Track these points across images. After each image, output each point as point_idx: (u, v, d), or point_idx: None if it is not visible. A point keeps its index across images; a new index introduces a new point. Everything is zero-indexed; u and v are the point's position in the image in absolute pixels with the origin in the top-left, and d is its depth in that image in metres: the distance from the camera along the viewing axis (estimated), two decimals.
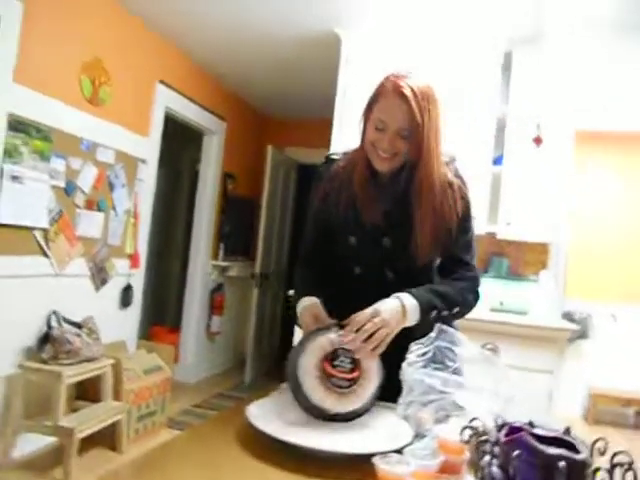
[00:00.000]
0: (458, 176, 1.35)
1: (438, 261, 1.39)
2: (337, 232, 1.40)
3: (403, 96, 1.22)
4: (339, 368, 1.10)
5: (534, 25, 3.01)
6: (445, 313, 1.25)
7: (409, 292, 1.22)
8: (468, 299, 1.35)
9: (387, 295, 1.23)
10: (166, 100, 3.97)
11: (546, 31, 3.06)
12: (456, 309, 1.30)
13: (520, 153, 3.15)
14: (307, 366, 1.11)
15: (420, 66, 3.16)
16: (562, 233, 3.22)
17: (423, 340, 1.10)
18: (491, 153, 3.18)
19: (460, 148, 3.08)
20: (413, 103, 1.21)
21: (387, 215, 1.33)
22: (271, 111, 5.61)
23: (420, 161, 1.25)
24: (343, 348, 1.12)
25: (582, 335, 4.58)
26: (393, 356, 1.12)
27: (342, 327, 1.16)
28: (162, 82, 3.89)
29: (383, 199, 1.34)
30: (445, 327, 1.13)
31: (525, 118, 3.15)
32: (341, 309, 1.23)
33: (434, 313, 1.23)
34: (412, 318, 1.19)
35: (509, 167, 3.18)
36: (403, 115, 1.22)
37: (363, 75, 3.24)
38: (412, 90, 1.22)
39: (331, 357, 1.12)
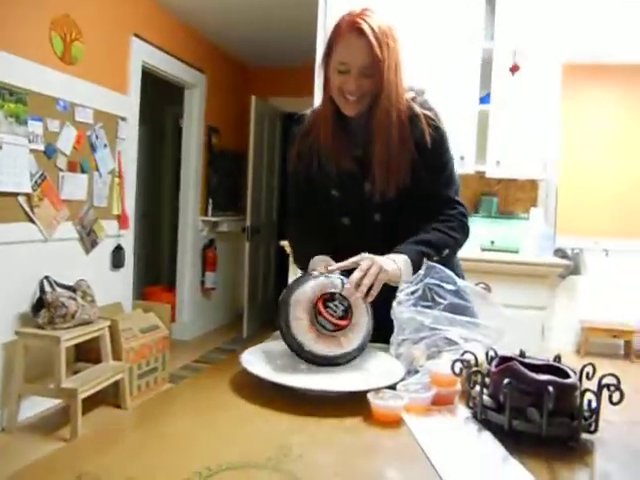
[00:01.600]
0: (428, 108, 1.32)
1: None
2: (318, 188, 1.38)
3: (361, 32, 1.18)
4: (330, 310, 1.10)
5: None
6: (436, 258, 1.24)
7: (394, 250, 1.22)
8: (457, 238, 1.33)
9: (380, 241, 1.23)
10: (142, 54, 3.84)
11: None
12: (446, 251, 1.30)
13: (507, 90, 3.10)
14: (301, 297, 1.10)
15: (402, 3, 3.09)
16: (552, 170, 3.20)
17: (412, 278, 1.10)
18: (477, 91, 3.13)
19: (446, 87, 3.07)
20: (371, 38, 1.18)
21: (360, 160, 1.31)
22: (252, 60, 5.47)
23: (380, 95, 1.23)
24: (342, 295, 1.10)
25: (574, 271, 4.64)
26: (384, 296, 1.12)
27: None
28: (137, 35, 3.76)
29: (354, 144, 1.32)
30: (433, 264, 1.13)
31: (511, 54, 3.08)
32: (337, 261, 1.22)
33: (425, 261, 1.21)
34: (406, 271, 1.18)
35: (496, 105, 3.13)
36: (363, 51, 1.19)
37: (344, 13, 3.13)
38: (369, 25, 1.19)
39: (327, 298, 1.10)
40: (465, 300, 1.13)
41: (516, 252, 3.13)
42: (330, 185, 1.36)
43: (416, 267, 1.19)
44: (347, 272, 1.16)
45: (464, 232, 1.35)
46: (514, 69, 3.04)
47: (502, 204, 3.44)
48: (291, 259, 2.05)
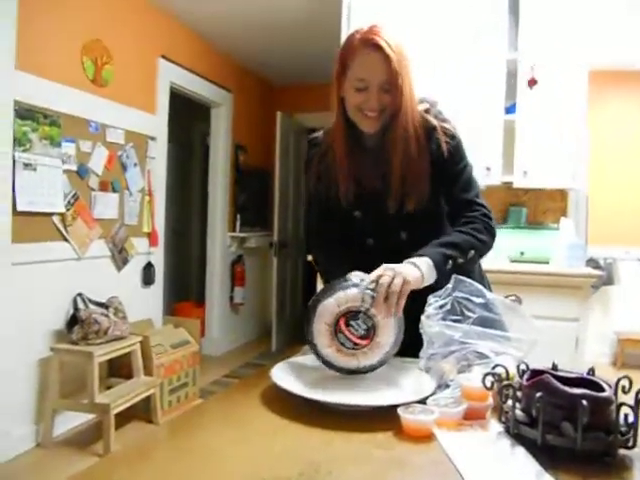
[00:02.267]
0: (442, 120, 1.32)
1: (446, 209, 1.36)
2: (339, 210, 1.36)
3: (378, 47, 1.18)
4: (352, 329, 1.08)
5: None
6: (461, 260, 1.22)
7: (416, 254, 1.19)
8: (482, 239, 1.28)
9: (401, 258, 1.20)
10: (170, 75, 3.93)
11: None
12: (471, 253, 1.25)
13: (533, 100, 3.07)
14: (325, 309, 1.08)
15: (425, 18, 3.10)
16: (581, 178, 3.15)
17: (440, 292, 1.09)
18: (502, 102, 3.10)
19: (471, 98, 3.06)
20: (389, 52, 1.17)
21: (380, 177, 1.30)
22: (277, 78, 5.54)
23: (399, 110, 1.22)
24: (367, 313, 1.08)
25: (607, 281, 4.53)
26: (413, 310, 1.10)
27: None
28: (164, 57, 3.85)
29: (376, 161, 1.31)
30: (462, 277, 1.12)
31: (537, 63, 3.05)
32: None
33: (450, 263, 1.19)
34: (429, 275, 1.15)
35: (522, 115, 3.10)
36: (381, 66, 1.18)
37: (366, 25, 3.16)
38: (385, 40, 1.18)
39: (351, 315, 1.08)
40: (494, 313, 1.12)
41: (547, 263, 3.08)
42: (351, 207, 1.35)
43: (439, 270, 1.17)
44: None
45: (490, 233, 1.30)
46: (531, 83, 3.02)
47: (531, 214, 3.40)
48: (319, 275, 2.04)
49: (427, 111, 1.31)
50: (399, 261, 1.18)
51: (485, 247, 1.30)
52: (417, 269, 1.14)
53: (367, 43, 1.19)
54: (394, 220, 1.32)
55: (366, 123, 1.26)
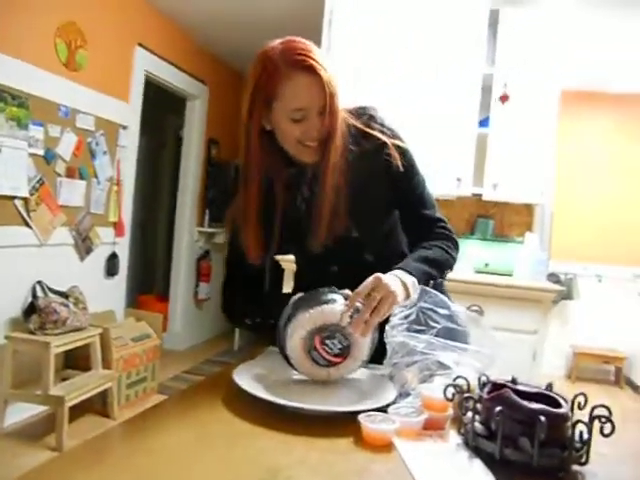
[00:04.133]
0: (390, 132, 1.22)
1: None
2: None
3: (311, 69, 1.04)
4: (326, 347, 1.05)
5: None
6: (439, 280, 1.22)
7: (403, 269, 1.13)
8: (454, 257, 1.28)
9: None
10: (146, 64, 3.86)
11: None
12: (447, 272, 1.26)
13: (506, 115, 3.13)
14: (299, 325, 1.05)
15: (404, 23, 3.13)
16: (548, 195, 3.23)
17: (406, 302, 1.10)
18: (477, 115, 3.16)
19: (445, 110, 3.09)
20: (323, 73, 1.05)
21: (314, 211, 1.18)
22: None
23: (332, 135, 1.11)
24: (344, 332, 1.04)
25: (567, 296, 4.65)
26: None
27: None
28: (141, 45, 3.78)
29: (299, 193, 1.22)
30: (427, 288, 1.12)
31: (511, 79, 3.12)
32: None
33: (430, 283, 1.17)
34: (412, 295, 1.11)
35: (495, 129, 3.16)
36: (319, 92, 1.06)
37: (347, 33, 3.18)
38: (313, 59, 1.05)
39: (327, 334, 1.05)
40: (458, 325, 1.13)
41: (510, 275, 3.14)
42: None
43: (420, 289, 1.14)
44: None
45: (457, 251, 1.29)
46: (504, 99, 3.09)
47: (498, 227, 3.46)
48: (286, 275, 2.00)
49: (369, 123, 1.22)
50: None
51: (453, 267, 1.29)
52: (405, 291, 1.09)
53: (296, 66, 1.05)
54: (360, 247, 1.25)
55: (307, 154, 1.14)
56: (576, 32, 3.33)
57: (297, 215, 1.21)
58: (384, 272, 1.09)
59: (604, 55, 4.00)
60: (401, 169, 1.21)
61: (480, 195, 3.21)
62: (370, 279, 1.06)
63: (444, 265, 1.23)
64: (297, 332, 1.05)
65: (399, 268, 1.14)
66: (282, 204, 1.20)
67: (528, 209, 3.44)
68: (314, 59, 1.05)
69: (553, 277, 4.31)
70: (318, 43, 3.36)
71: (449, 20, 3.12)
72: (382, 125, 1.23)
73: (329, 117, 1.08)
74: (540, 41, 3.10)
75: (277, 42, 1.09)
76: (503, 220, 3.47)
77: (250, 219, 1.20)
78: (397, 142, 1.22)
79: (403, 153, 1.22)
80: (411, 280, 1.11)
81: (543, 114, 3.11)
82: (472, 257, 3.22)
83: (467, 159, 3.13)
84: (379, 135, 1.20)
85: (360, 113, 1.23)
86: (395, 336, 1.04)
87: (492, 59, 3.17)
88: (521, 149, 3.12)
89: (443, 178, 3.03)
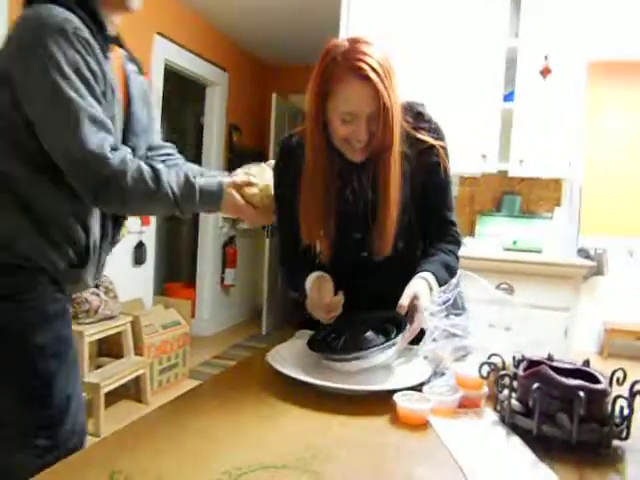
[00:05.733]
0: (434, 128, 1.27)
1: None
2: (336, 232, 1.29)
3: (366, 78, 1.07)
4: None
5: None
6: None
7: (431, 272, 1.18)
8: (458, 263, 1.32)
9: (398, 265, 1.20)
10: (165, 52, 3.87)
11: None
12: (455, 278, 1.27)
13: (532, 88, 3.05)
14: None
15: (424, 2, 3.06)
16: (576, 169, 3.15)
17: (444, 287, 1.10)
18: (501, 89, 3.09)
19: (469, 85, 3.04)
20: (378, 84, 1.07)
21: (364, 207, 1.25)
22: (273, 59, 5.47)
23: (390, 145, 1.15)
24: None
25: (598, 271, 4.57)
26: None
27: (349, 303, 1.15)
28: (160, 34, 3.78)
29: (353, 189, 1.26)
30: (466, 272, 1.13)
31: (536, 52, 3.03)
32: (352, 292, 1.19)
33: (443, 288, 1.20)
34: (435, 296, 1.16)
35: (520, 103, 3.08)
36: (370, 99, 1.09)
37: (366, 16, 3.13)
38: (373, 69, 1.07)
39: None
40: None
41: (539, 252, 3.09)
42: (354, 229, 1.28)
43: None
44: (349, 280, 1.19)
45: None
46: (545, 72, 2.97)
47: (525, 203, 3.40)
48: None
49: (417, 122, 1.25)
50: (392, 267, 1.20)
51: None
52: (430, 291, 1.15)
53: (354, 72, 1.08)
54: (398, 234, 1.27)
55: (354, 153, 1.18)
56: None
57: (343, 204, 1.24)
58: (411, 259, 1.20)
59: (630, 23, 3.87)
60: (443, 175, 1.26)
61: (506, 171, 3.15)
62: (409, 293, 1.12)
63: (454, 272, 1.26)
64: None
65: (430, 272, 1.18)
66: (328, 191, 1.22)
67: (556, 184, 3.37)
68: (372, 67, 1.07)
69: (583, 252, 4.24)
70: (336, 25, 3.32)
71: None
72: (429, 122, 1.27)
73: (383, 129, 1.12)
74: (564, 10, 3.00)
75: (344, 40, 1.13)
76: (530, 196, 3.41)
77: (316, 200, 1.22)
78: (442, 143, 1.26)
79: (445, 154, 1.27)
80: (436, 288, 1.16)
81: (570, 87, 3.02)
82: (500, 235, 3.17)
83: (492, 135, 3.07)
84: (427, 138, 1.24)
85: (407, 109, 1.24)
86: (432, 321, 1.04)
87: (515, 32, 3.09)
88: (548, 123, 3.04)
89: (468, 155, 2.98)
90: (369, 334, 1.11)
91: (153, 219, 3.85)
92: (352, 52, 1.09)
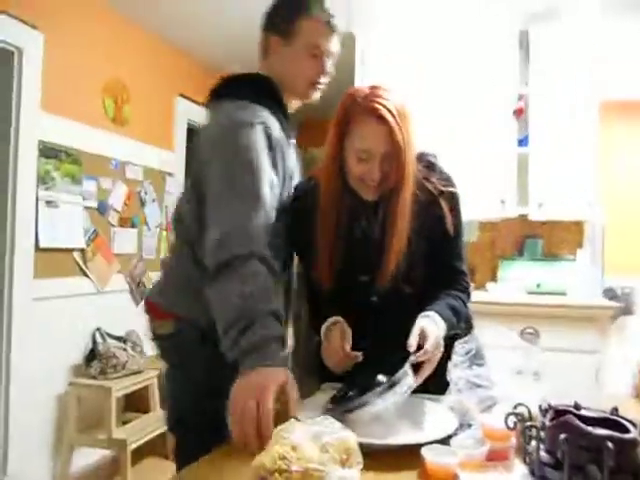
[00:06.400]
0: (446, 179, 1.30)
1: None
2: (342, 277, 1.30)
3: (381, 118, 1.14)
4: None
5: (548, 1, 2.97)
6: (457, 331, 1.25)
7: (436, 311, 1.20)
8: (467, 309, 1.34)
9: (407, 311, 1.20)
10: (187, 113, 4.02)
11: (560, 7, 3.01)
12: (462, 325, 1.29)
13: (546, 132, 3.10)
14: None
15: (436, 56, 3.16)
16: (596, 209, 3.15)
17: (467, 338, 1.11)
18: (515, 134, 3.14)
19: (484, 132, 3.09)
20: (393, 124, 1.14)
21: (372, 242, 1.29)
22: (293, 114, 5.63)
23: (401, 185, 1.20)
24: None
25: (626, 311, 4.47)
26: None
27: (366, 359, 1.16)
28: (182, 95, 3.95)
29: (368, 243, 1.29)
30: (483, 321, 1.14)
31: (546, 95, 3.10)
32: (360, 340, 1.22)
33: (451, 332, 1.21)
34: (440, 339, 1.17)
35: (535, 147, 3.13)
36: (385, 138, 1.15)
37: (379, 72, 3.24)
38: (389, 110, 1.15)
39: None
40: None
41: (564, 294, 3.06)
42: (360, 272, 1.31)
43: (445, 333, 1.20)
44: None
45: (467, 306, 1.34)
46: (519, 113, 3.08)
47: (547, 246, 3.39)
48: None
49: (428, 172, 1.29)
50: (400, 312, 1.20)
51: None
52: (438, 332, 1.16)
53: (371, 112, 1.16)
54: (404, 278, 1.29)
55: (367, 191, 1.23)
56: (606, 41, 3.28)
57: (351, 242, 1.28)
58: (419, 306, 1.20)
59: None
60: (452, 225, 1.28)
61: (526, 215, 3.16)
62: (416, 332, 1.12)
63: (462, 317, 1.28)
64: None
65: (434, 311, 1.20)
66: (338, 228, 1.26)
67: (577, 225, 3.36)
68: (388, 108, 1.14)
69: (610, 292, 4.16)
70: (351, 78, 3.41)
71: (480, 45, 3.14)
72: (440, 173, 1.31)
73: (397, 169, 1.18)
74: (571, 55, 3.07)
75: (366, 86, 1.21)
76: (552, 239, 3.40)
77: (328, 237, 1.26)
78: (452, 189, 1.30)
79: (456, 203, 1.30)
80: (442, 326, 1.17)
81: (583, 127, 3.06)
82: (523, 278, 3.16)
83: (509, 180, 3.11)
84: (437, 187, 1.28)
85: (418, 159, 1.28)
86: (457, 373, 1.05)
87: (526, 80, 3.17)
88: (564, 165, 3.07)
89: (486, 201, 3.02)
90: (380, 377, 1.10)
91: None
92: (371, 95, 1.17)
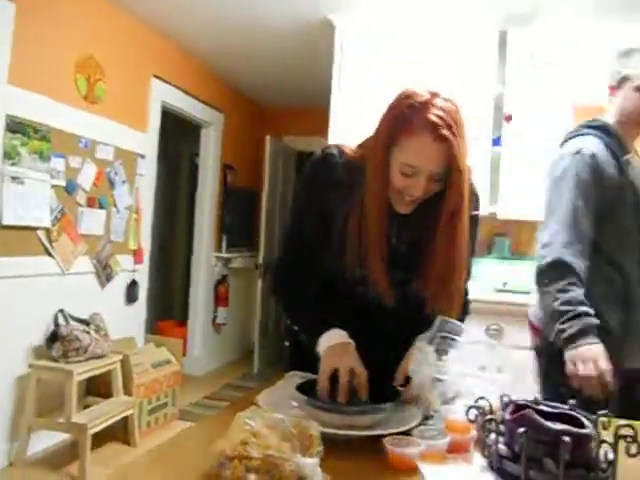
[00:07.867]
0: (476, 200, 1.26)
1: None
2: (332, 272, 1.23)
3: (444, 139, 1.03)
4: None
5: (528, 3, 2.99)
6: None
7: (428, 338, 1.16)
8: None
9: (409, 309, 1.20)
10: (162, 94, 3.96)
11: (540, 8, 3.04)
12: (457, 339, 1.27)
13: (518, 132, 3.14)
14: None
15: (414, 49, 3.16)
16: None
17: (427, 334, 1.13)
18: (490, 134, 3.17)
19: None
20: (455, 147, 1.04)
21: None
22: (268, 101, 5.59)
23: (458, 207, 1.12)
24: None
25: None
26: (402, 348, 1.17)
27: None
28: (157, 76, 3.88)
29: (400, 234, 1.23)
30: (446, 318, 1.15)
31: (521, 97, 3.14)
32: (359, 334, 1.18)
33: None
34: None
35: (508, 147, 3.17)
36: (440, 158, 1.05)
37: (358, 61, 3.23)
38: (450, 128, 1.03)
39: None
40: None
41: (529, 293, 3.11)
42: (353, 282, 1.23)
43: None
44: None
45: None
46: (508, 119, 3.13)
47: (514, 245, 3.45)
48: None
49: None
50: (395, 315, 1.20)
51: None
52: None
53: (428, 127, 1.03)
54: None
55: (403, 205, 1.15)
56: (583, 44, 3.33)
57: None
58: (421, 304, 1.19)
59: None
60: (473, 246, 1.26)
61: (495, 214, 3.20)
62: (408, 367, 1.13)
63: (458, 333, 1.24)
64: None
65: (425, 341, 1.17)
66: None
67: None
68: (450, 127, 1.03)
69: None
70: (329, 69, 3.40)
71: (459, 40, 3.17)
72: (473, 194, 1.23)
73: (455, 194, 1.10)
74: (547, 58, 3.12)
75: (425, 90, 1.08)
76: (520, 238, 3.45)
77: (380, 245, 1.16)
78: (476, 212, 1.25)
79: (476, 225, 1.27)
80: (433, 360, 1.14)
81: (556, 130, 3.10)
82: (491, 277, 3.21)
83: (483, 178, 3.14)
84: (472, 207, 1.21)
85: None
86: (419, 372, 1.06)
87: (503, 79, 3.20)
88: (534, 166, 3.12)
89: None
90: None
91: (146, 257, 3.86)
92: (430, 107, 1.04)
